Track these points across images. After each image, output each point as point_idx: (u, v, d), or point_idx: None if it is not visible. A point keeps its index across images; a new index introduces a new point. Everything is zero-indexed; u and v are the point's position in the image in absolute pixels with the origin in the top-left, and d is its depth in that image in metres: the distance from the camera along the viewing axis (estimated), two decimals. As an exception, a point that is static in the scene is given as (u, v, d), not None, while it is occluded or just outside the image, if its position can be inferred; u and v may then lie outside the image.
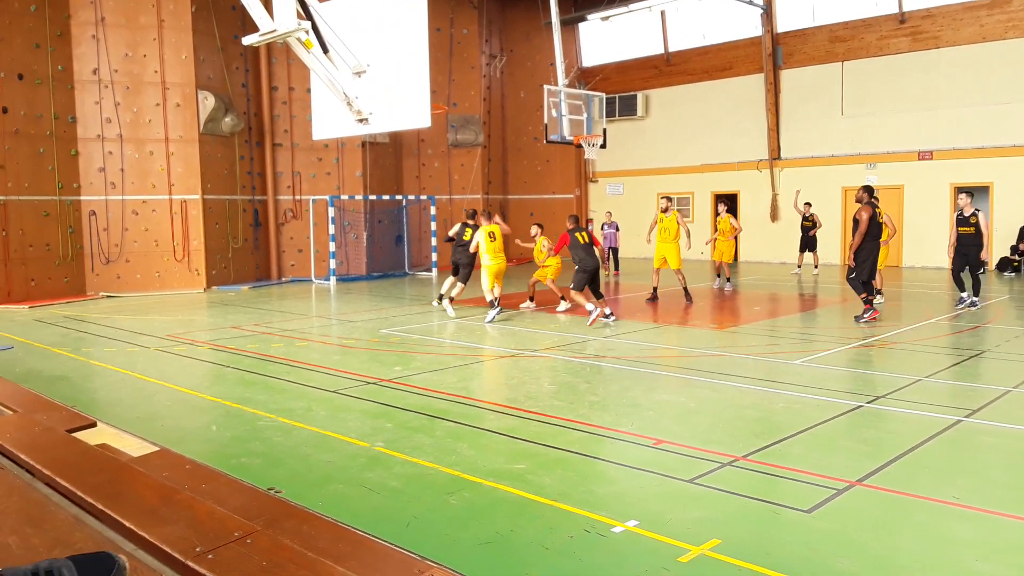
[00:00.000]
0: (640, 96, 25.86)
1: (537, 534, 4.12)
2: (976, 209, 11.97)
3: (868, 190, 11.19)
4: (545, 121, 17.28)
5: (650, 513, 4.37)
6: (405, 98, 8.81)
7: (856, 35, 21.45)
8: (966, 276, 12.30)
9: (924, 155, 20.56)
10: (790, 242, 22.20)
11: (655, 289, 14.11)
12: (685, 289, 13.68)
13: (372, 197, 20.65)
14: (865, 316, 10.85)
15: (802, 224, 19.18)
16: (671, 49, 25.21)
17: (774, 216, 23.39)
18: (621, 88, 26.00)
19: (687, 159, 25.05)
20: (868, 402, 6.68)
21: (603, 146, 18.24)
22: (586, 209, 27.28)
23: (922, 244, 19.37)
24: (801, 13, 22.52)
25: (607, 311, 11.34)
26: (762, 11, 22.64)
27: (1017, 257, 18.60)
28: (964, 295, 12.21)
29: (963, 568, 3.66)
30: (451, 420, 6.32)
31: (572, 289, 11.30)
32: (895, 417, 6.31)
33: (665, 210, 13.83)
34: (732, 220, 16.31)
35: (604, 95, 19.50)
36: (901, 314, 11.97)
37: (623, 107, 26.10)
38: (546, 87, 17.24)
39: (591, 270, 11.38)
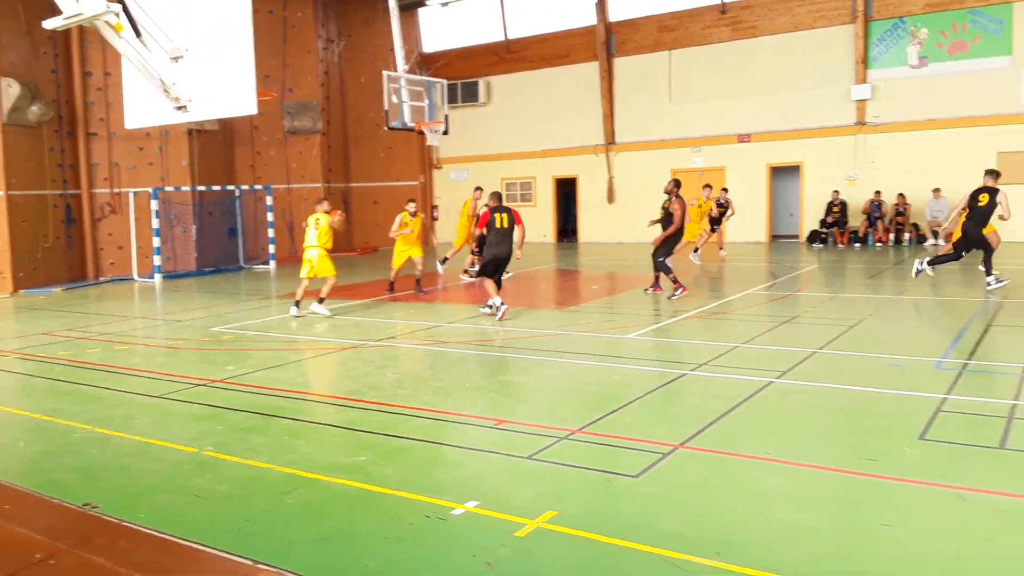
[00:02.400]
0: (482, 82, 26.03)
1: (377, 525, 4.08)
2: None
3: (676, 183, 11.85)
4: (386, 108, 17.02)
5: (490, 492, 4.44)
6: (229, 84, 8.39)
7: (682, 25, 22.62)
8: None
9: (743, 138, 22.06)
10: (627, 223, 23.22)
11: (392, 284, 13.54)
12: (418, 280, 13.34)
13: (201, 188, 19.55)
14: (676, 293, 11.46)
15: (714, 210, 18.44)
16: (511, 36, 25.52)
17: (611, 198, 24.33)
18: (463, 74, 26.06)
19: (529, 144, 25.53)
20: (692, 370, 7.12)
21: (445, 132, 18.21)
22: (431, 196, 27.21)
23: (743, 220, 20.81)
24: (632, 3, 23.46)
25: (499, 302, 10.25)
26: (596, 0, 23.39)
27: (825, 230, 20.39)
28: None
29: (776, 518, 3.97)
30: (288, 417, 6.13)
31: (478, 275, 10.53)
32: (716, 382, 6.76)
33: (413, 213, 13.00)
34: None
35: (446, 81, 19.44)
36: (724, 286, 12.81)
37: (465, 93, 26.19)
38: (386, 73, 16.96)
39: (502, 258, 10.31)
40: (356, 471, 4.84)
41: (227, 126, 21.87)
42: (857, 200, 20.23)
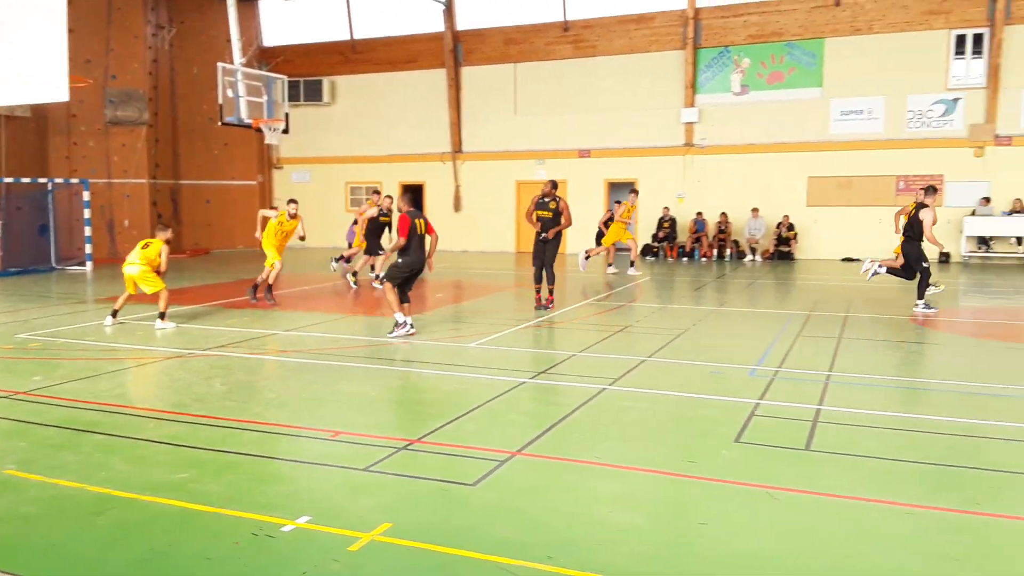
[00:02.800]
0: (326, 82, 25.42)
1: (200, 545, 3.84)
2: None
3: (554, 184, 11.67)
4: (220, 101, 16.23)
5: (324, 506, 4.31)
6: (36, 66, 7.63)
7: (527, 39, 23.19)
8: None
9: (583, 153, 22.93)
10: (473, 231, 23.48)
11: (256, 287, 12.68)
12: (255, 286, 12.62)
13: (8, 180, 17.73)
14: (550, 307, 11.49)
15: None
16: (357, 36, 25.11)
17: (457, 206, 24.49)
18: (306, 72, 25.32)
19: (375, 148, 25.20)
20: (531, 378, 7.28)
21: (286, 131, 17.62)
22: (270, 197, 26.19)
23: (582, 233, 21.62)
24: (480, 13, 23.76)
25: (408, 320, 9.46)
26: (443, 7, 23.48)
27: (656, 244, 21.57)
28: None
29: (604, 520, 4.12)
30: (102, 433, 5.65)
31: (384, 280, 9.48)
32: (553, 389, 6.95)
33: (293, 215, 12.46)
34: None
35: (287, 78, 18.81)
36: (565, 296, 13.21)
37: (308, 92, 25.46)
38: (221, 65, 16.18)
39: (418, 268, 9.46)
40: (178, 489, 4.54)
41: (40, 113, 20.02)
42: (685, 217, 21.56)
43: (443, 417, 5.97)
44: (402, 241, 9.15)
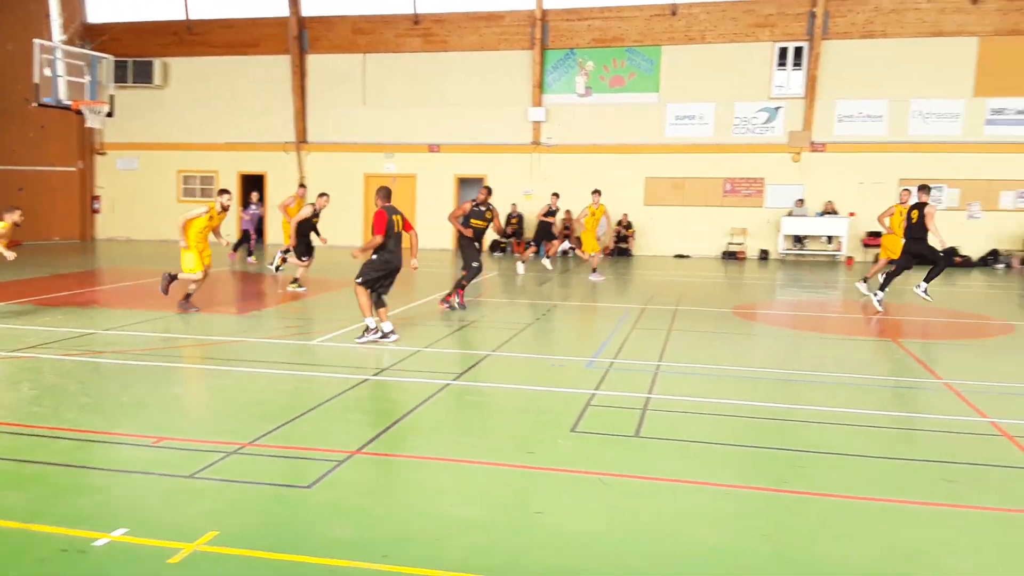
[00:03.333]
0: (158, 63, 23.86)
1: (-4, 567, 3.49)
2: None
3: (489, 191, 11.46)
4: (36, 80, 14.86)
5: (142, 518, 4.03)
6: None
7: (377, 29, 22.81)
8: None
9: (433, 148, 22.88)
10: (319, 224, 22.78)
11: None
12: None
13: None
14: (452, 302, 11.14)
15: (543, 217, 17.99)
16: (193, 17, 23.72)
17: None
18: (135, 52, 23.64)
19: (212, 135, 23.94)
20: (374, 375, 7.18)
21: (110, 115, 16.40)
22: (92, 185, 24.26)
23: (432, 228, 21.58)
24: (327, 0, 23.08)
25: (388, 328, 8.78)
26: (286, -8, 22.65)
27: (504, 240, 21.90)
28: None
29: (443, 515, 4.12)
30: None
31: (357, 280, 8.69)
32: (396, 386, 6.88)
33: (225, 207, 11.23)
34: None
35: (113, 58, 17.50)
36: (413, 291, 13.13)
37: (138, 73, 23.80)
38: (37, 42, 14.81)
39: (396, 268, 8.85)
40: (-29, 506, 4.10)
41: None
42: (533, 213, 22.03)
43: (278, 419, 5.76)
44: (379, 239, 8.56)
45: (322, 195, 13.22)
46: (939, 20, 19.60)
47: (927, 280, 11.66)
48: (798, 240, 21.08)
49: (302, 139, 23.55)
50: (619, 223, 21.55)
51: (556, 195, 17.69)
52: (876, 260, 14.62)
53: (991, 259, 19.78)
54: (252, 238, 18.55)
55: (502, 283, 15.22)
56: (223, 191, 10.79)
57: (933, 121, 20.05)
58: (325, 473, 4.66)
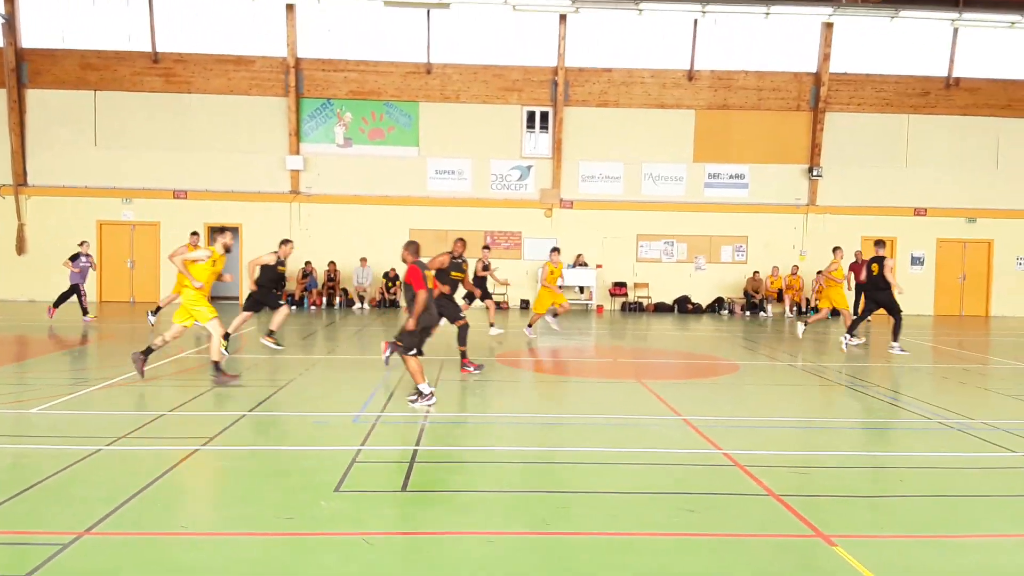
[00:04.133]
0: None
1: None
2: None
3: (463, 242, 11.24)
4: None
5: None
6: None
7: (110, 66, 21.02)
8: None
9: (179, 194, 21.37)
10: (42, 278, 20.22)
11: None
12: None
13: None
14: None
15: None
16: None
17: (21, 248, 20.98)
18: None
19: (-99, 175, 20.44)
20: (108, 444, 6.36)
21: None
22: None
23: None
24: (50, 32, 20.92)
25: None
26: (4, 21, 20.21)
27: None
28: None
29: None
30: None
31: (400, 350, 8.04)
32: (134, 456, 6.15)
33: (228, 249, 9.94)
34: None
35: None
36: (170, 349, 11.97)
37: None
38: None
39: (431, 326, 8.30)
40: None
41: None
42: (293, 265, 21.26)
43: (-17, 502, 4.88)
44: (423, 294, 7.97)
45: (286, 242, 12.28)
46: (661, 94, 22.10)
47: (895, 337, 13.04)
48: (552, 290, 22.34)
49: (21, 181, 20.88)
50: (386, 274, 21.47)
51: (487, 248, 16.43)
52: (812, 310, 15.37)
53: (717, 306, 22.32)
54: (83, 293, 16.10)
55: (258, 337, 14.38)
56: (221, 230, 9.70)
57: (662, 183, 22.42)
58: (46, 560, 4.00)
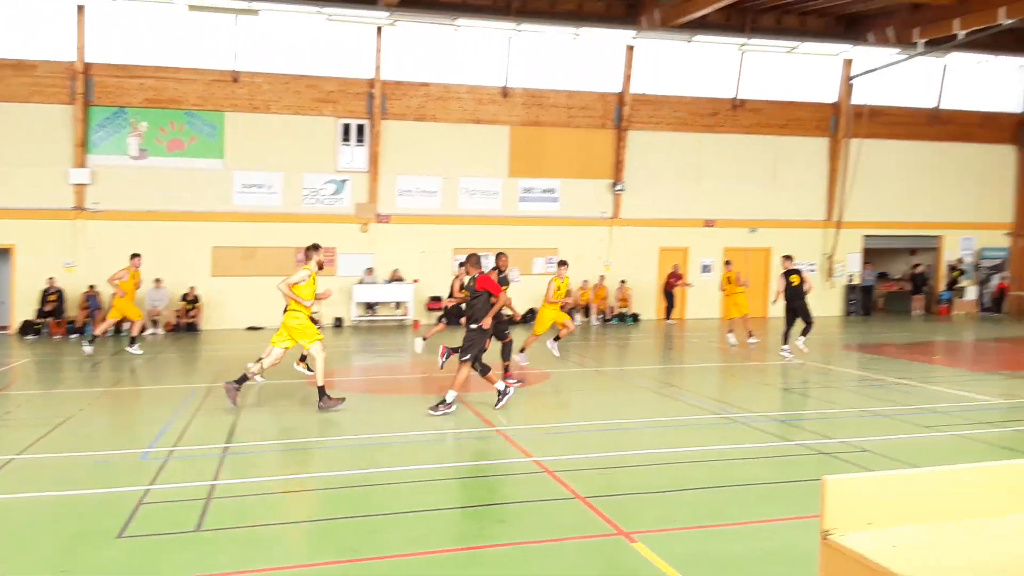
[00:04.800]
0: None
1: None
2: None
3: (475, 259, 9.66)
4: None
5: None
6: None
7: None
8: None
9: (-59, 211, 18.82)
10: None
11: None
12: None
13: None
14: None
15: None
16: None
17: None
18: None
19: None
20: None
21: None
22: None
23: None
24: None
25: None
26: None
27: (40, 320, 18.77)
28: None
29: None
30: None
31: (463, 354, 8.74)
32: None
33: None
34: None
35: None
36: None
37: None
38: None
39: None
40: None
41: None
42: (76, 288, 19.33)
43: None
44: (504, 296, 9.05)
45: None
46: (477, 109, 22.45)
47: (785, 340, 13.94)
48: (370, 307, 21.94)
49: None
50: (185, 296, 20.05)
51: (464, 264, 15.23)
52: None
53: (530, 317, 22.91)
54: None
55: (36, 370, 12.92)
56: (315, 247, 9.52)
57: (479, 197, 22.73)
58: None
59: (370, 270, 21.96)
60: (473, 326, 8.89)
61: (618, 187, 23.21)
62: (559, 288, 12.57)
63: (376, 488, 6.05)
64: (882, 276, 26.92)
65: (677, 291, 22.51)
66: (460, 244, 22.30)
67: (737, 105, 24.00)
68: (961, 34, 19.94)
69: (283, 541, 4.81)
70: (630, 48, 22.66)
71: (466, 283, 10.09)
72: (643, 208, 23.62)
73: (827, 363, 13.45)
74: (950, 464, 2.33)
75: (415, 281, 22.16)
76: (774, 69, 23.92)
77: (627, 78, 22.88)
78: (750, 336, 16.30)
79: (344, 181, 21.89)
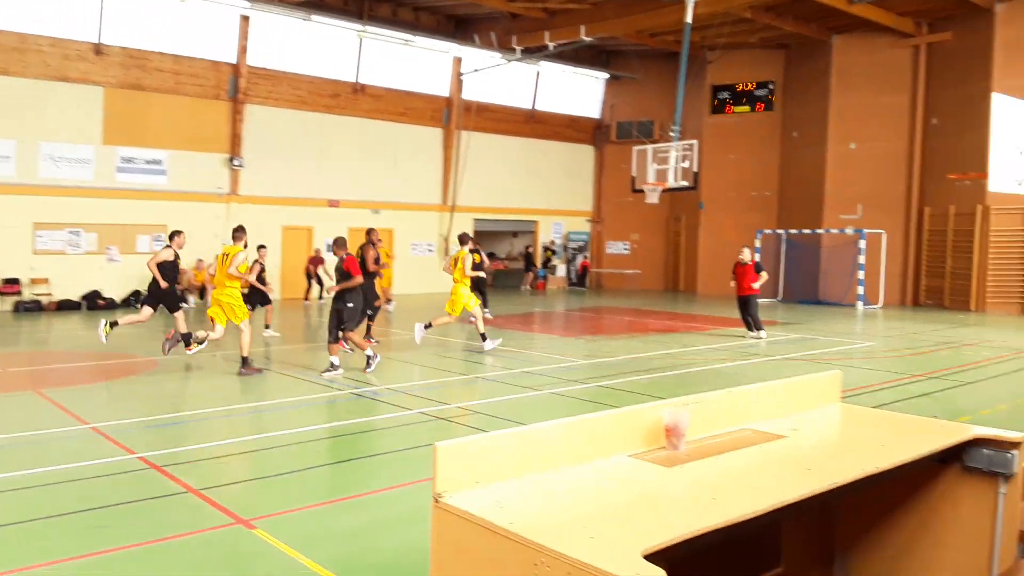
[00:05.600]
0: None
1: None
2: None
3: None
4: None
5: None
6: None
7: None
8: None
9: None
10: None
11: None
12: None
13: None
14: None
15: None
16: None
17: None
18: None
19: None
20: None
21: None
22: None
23: None
24: None
25: None
26: None
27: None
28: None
29: None
30: None
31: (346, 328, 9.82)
32: None
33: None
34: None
35: None
36: None
37: None
38: None
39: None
40: None
41: None
42: None
43: None
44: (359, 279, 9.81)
45: (177, 233, 11.40)
46: (63, 66, 19.35)
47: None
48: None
49: None
50: None
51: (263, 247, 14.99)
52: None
53: (134, 300, 20.59)
54: None
55: None
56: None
57: (65, 165, 19.66)
58: None
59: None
60: (351, 304, 9.71)
61: (236, 162, 22.01)
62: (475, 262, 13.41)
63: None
64: (491, 256, 29.60)
65: (321, 272, 21.92)
66: (42, 218, 19.33)
67: (358, 89, 24.30)
68: (551, 46, 22.65)
69: None
70: (245, 18, 21.53)
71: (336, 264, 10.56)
72: (264, 186, 22.74)
73: (444, 335, 14.31)
74: (549, 420, 2.57)
75: (-19, 261, 18.56)
76: (393, 59, 24.67)
77: (243, 49, 21.75)
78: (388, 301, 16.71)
79: None
